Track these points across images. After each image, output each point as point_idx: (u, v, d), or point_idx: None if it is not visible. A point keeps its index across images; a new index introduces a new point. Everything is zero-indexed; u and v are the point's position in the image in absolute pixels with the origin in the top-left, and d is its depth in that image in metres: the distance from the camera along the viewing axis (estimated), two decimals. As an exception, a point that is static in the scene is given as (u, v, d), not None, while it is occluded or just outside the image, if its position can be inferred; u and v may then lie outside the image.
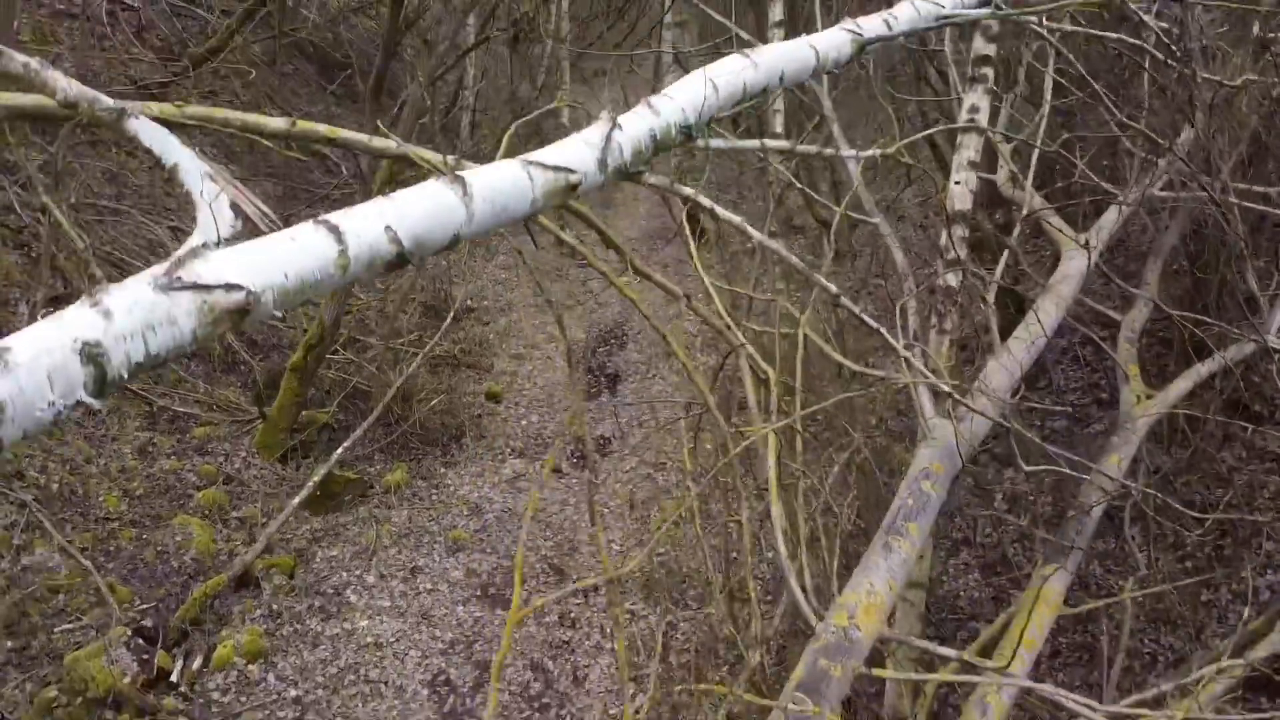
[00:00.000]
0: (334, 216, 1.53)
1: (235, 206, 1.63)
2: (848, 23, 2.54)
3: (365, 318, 12.07)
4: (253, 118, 2.31)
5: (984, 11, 2.98)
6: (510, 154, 2.99)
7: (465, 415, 9.58)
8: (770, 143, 2.35)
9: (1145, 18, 4.37)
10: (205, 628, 6.74)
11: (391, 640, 6.66)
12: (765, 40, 5.72)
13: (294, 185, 15.13)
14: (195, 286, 1.33)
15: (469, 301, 13.39)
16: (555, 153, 1.79)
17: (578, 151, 1.83)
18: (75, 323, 1.24)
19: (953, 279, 3.99)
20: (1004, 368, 3.90)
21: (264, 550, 7.39)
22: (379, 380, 9.55)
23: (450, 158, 2.82)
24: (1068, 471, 3.83)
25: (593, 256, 3.63)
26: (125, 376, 1.28)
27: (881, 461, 5.33)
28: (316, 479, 7.86)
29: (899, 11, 2.73)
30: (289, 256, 1.44)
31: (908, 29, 2.72)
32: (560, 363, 11.60)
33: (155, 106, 2.41)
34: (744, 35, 5.06)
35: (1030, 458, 3.93)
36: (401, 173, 8.85)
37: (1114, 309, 5.81)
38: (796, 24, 12.36)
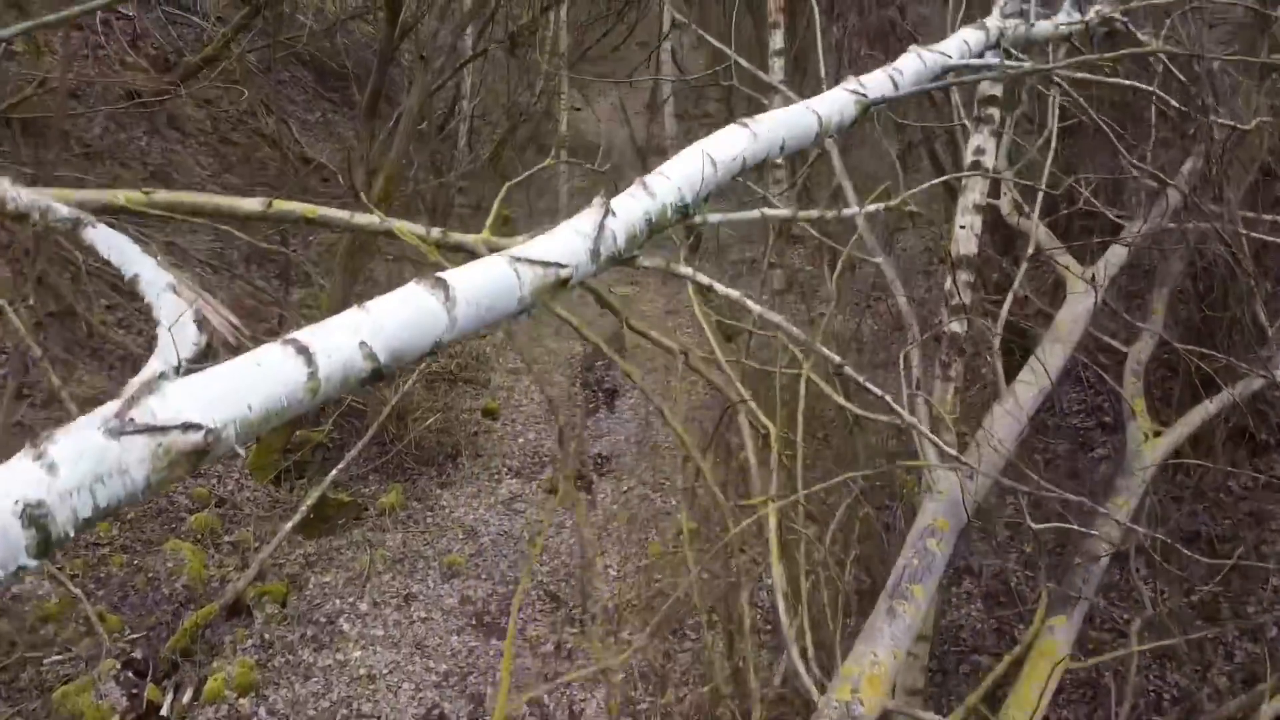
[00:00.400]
0: (304, 335, 1.43)
1: (202, 320, 1.53)
2: (850, 82, 2.43)
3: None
4: (226, 201, 2.19)
5: (994, 63, 2.87)
6: (499, 225, 2.88)
7: (461, 433, 9.48)
8: (770, 212, 2.24)
9: (1153, 43, 4.27)
10: (196, 659, 6.64)
11: (385, 672, 6.56)
12: (765, 66, 5.60)
13: (290, 194, 15.03)
14: (149, 429, 1.23)
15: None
16: (545, 245, 1.69)
17: (568, 242, 1.73)
18: (16, 480, 1.14)
19: (958, 325, 3.88)
20: (1009, 415, 3.80)
21: (256, 577, 7.29)
22: (374, 398, 9.45)
23: (435, 231, 2.71)
24: (1075, 527, 3.73)
25: (583, 326, 3.50)
26: (70, 535, 1.18)
27: (886, 489, 5.24)
28: (309, 503, 7.75)
29: (904, 65, 2.63)
30: (254, 385, 1.34)
31: (914, 85, 2.62)
32: (558, 377, 11.51)
33: (122, 195, 2.30)
34: (743, 63, 4.95)
35: (1038, 506, 3.82)
36: (395, 193, 8.75)
37: (1118, 336, 5.71)
38: (800, 60, 12.25)
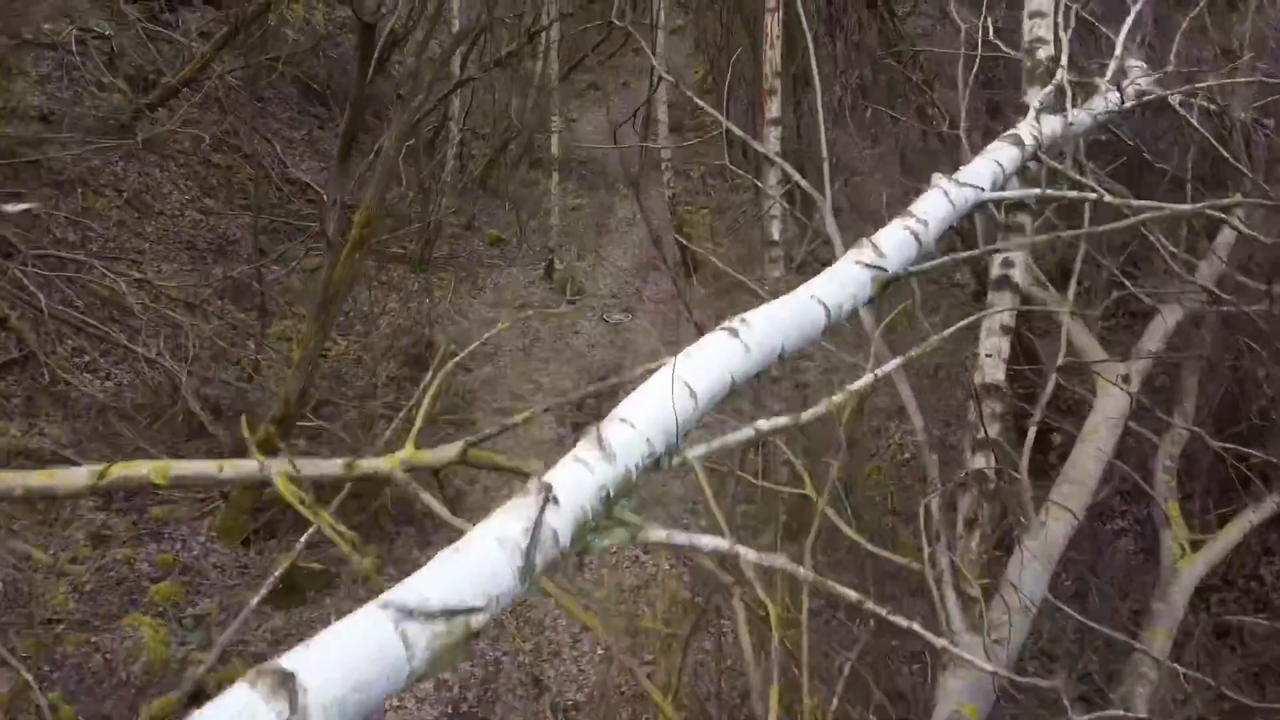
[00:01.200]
0: None
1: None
2: (863, 250, 1.97)
3: (341, 369, 11.52)
4: (43, 480, 1.71)
5: (1034, 192, 2.41)
6: (435, 402, 2.40)
7: (444, 485, 9.01)
8: (767, 423, 1.79)
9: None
10: (152, 756, 6.17)
11: (354, 770, 6.09)
12: (759, 134, 5.11)
13: (273, 219, 14.56)
14: None
15: (452, 346, 12.83)
16: (448, 577, 1.22)
17: (485, 562, 1.26)
18: None
19: (983, 461, 3.42)
20: (1039, 557, 3.35)
21: (219, 659, 6.81)
22: (351, 450, 8.99)
23: (338, 462, 2.21)
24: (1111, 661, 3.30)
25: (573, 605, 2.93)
26: None
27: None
28: (276, 576, 7.27)
29: (929, 209, 2.17)
30: None
31: (940, 234, 2.14)
32: (547, 418, 11.05)
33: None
34: (736, 130, 4.50)
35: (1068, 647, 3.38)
36: (373, 238, 8.29)
37: (1143, 420, 5.25)
38: (798, 122, 11.72)
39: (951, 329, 2.15)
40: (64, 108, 13.61)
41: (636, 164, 13.95)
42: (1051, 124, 2.88)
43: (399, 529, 8.55)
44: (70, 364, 9.65)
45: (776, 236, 5.38)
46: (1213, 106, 4.69)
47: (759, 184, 4.98)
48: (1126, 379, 4.17)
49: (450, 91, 9.29)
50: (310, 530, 7.88)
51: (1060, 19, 3.43)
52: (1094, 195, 2.51)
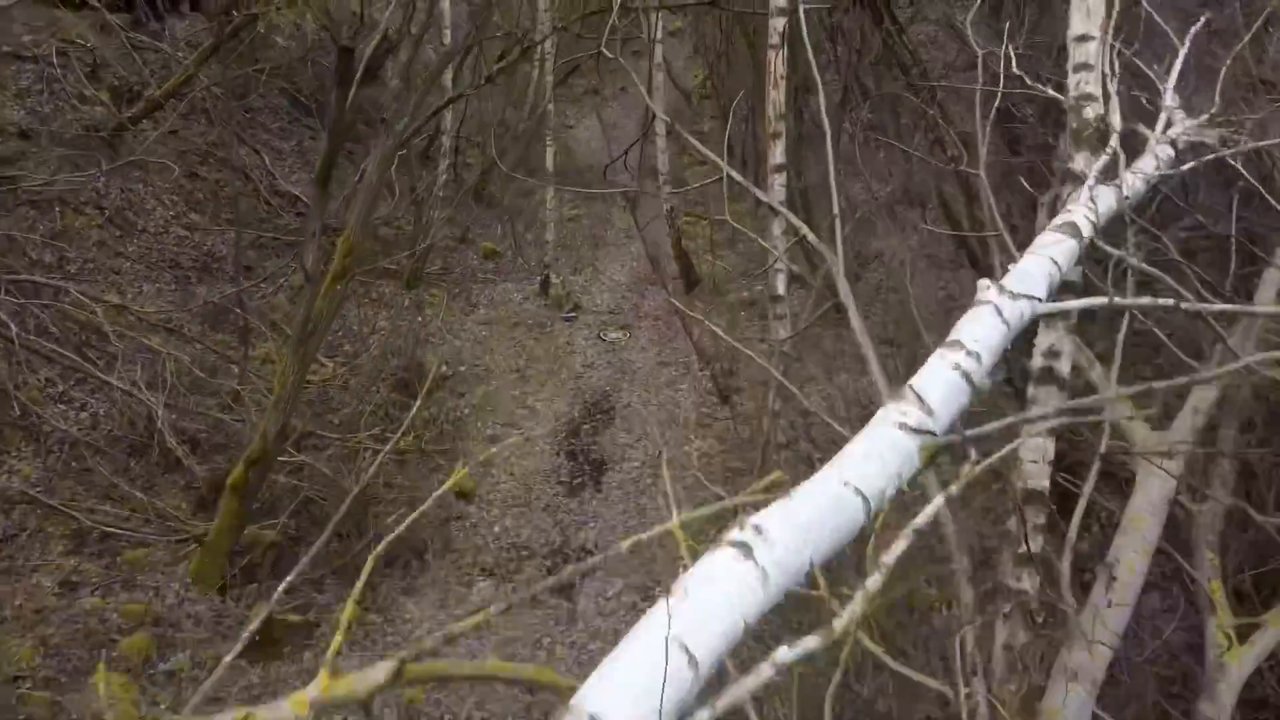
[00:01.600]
0: None
1: None
2: (903, 404, 1.57)
3: (328, 394, 11.11)
4: None
5: (1098, 301, 2.02)
6: (350, 629, 2.02)
7: (430, 524, 8.62)
8: (790, 653, 1.39)
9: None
10: (115, 834, 5.79)
11: None
12: (762, 182, 4.67)
13: (261, 234, 14.15)
14: None
15: (444, 367, 12.43)
16: None
17: None
18: None
19: (1026, 580, 3.01)
20: (1083, 682, 2.95)
21: (190, 723, 6.41)
22: (334, 487, 8.61)
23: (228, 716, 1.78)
24: None
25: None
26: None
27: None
28: (251, 629, 6.86)
29: (979, 334, 1.77)
30: None
31: (995, 360, 1.74)
32: (541, 446, 10.66)
33: None
34: (735, 176, 4.10)
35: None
36: (355, 269, 7.90)
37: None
38: (800, 162, 11.22)
39: (995, 456, 1.77)
40: (43, 122, 13.19)
41: (634, 179, 13.51)
42: (1106, 199, 2.50)
43: (383, 572, 8.15)
44: (42, 395, 9.26)
45: (782, 291, 4.95)
46: (1255, 147, 4.31)
47: (763, 242, 4.58)
48: (1168, 455, 3.78)
49: (440, 109, 8.91)
50: (288, 579, 7.49)
51: (1107, 67, 3.04)
52: (1171, 302, 2.12)
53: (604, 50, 5.11)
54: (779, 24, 4.98)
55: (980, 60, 5.10)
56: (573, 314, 14.36)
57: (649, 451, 10.20)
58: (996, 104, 4.50)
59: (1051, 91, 3.84)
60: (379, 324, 13.25)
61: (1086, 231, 2.29)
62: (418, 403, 9.44)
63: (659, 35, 13.32)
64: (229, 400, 9.66)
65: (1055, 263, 2.09)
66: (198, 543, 7.87)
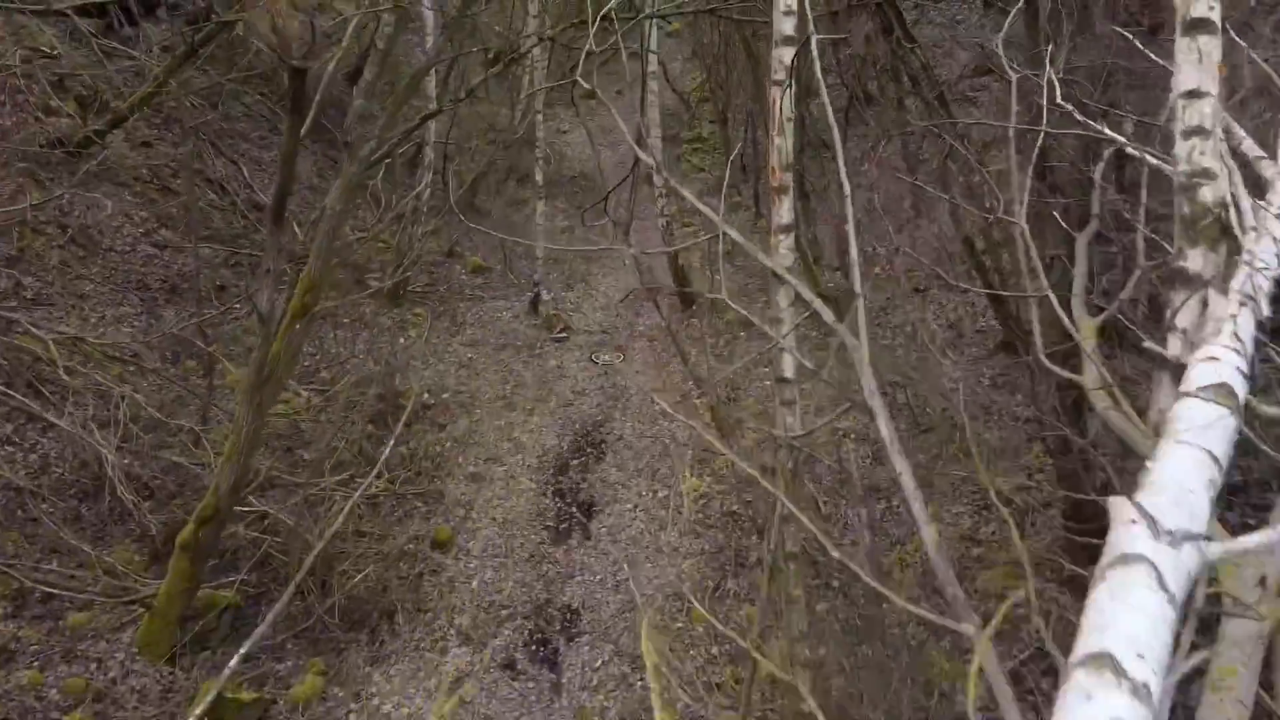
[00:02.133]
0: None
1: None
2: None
3: (299, 428, 10.42)
4: None
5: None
6: None
7: (401, 581, 7.96)
8: None
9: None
10: None
11: None
12: (771, 249, 3.95)
13: (236, 250, 13.48)
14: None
15: (425, 395, 11.75)
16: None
17: None
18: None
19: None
20: None
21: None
22: (298, 539, 7.93)
23: None
24: None
25: None
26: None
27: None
28: (200, 710, 6.23)
29: (1137, 632, 1.09)
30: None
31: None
32: (526, 483, 9.99)
33: None
34: (735, 235, 3.43)
35: None
36: (314, 306, 7.21)
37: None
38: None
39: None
40: (3, 137, 12.49)
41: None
42: (1247, 326, 1.84)
43: (349, 636, 7.48)
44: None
45: (790, 374, 4.18)
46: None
47: (767, 329, 3.86)
48: (1263, 582, 3.11)
49: (411, 130, 8.25)
50: (242, 650, 6.77)
51: (1218, 128, 2.38)
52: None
53: (579, 80, 4.45)
54: (785, 55, 4.25)
55: (1013, 87, 4.43)
56: (563, 335, 13.68)
57: (641, 493, 9.53)
58: (1039, 144, 3.83)
59: (1132, 147, 3.17)
60: (358, 347, 12.58)
61: (1242, 393, 1.63)
62: (390, 442, 8.79)
63: (653, 45, 12.61)
64: (189, 442, 8.98)
65: (1214, 460, 1.42)
66: (145, 607, 7.20)
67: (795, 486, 4.16)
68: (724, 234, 3.50)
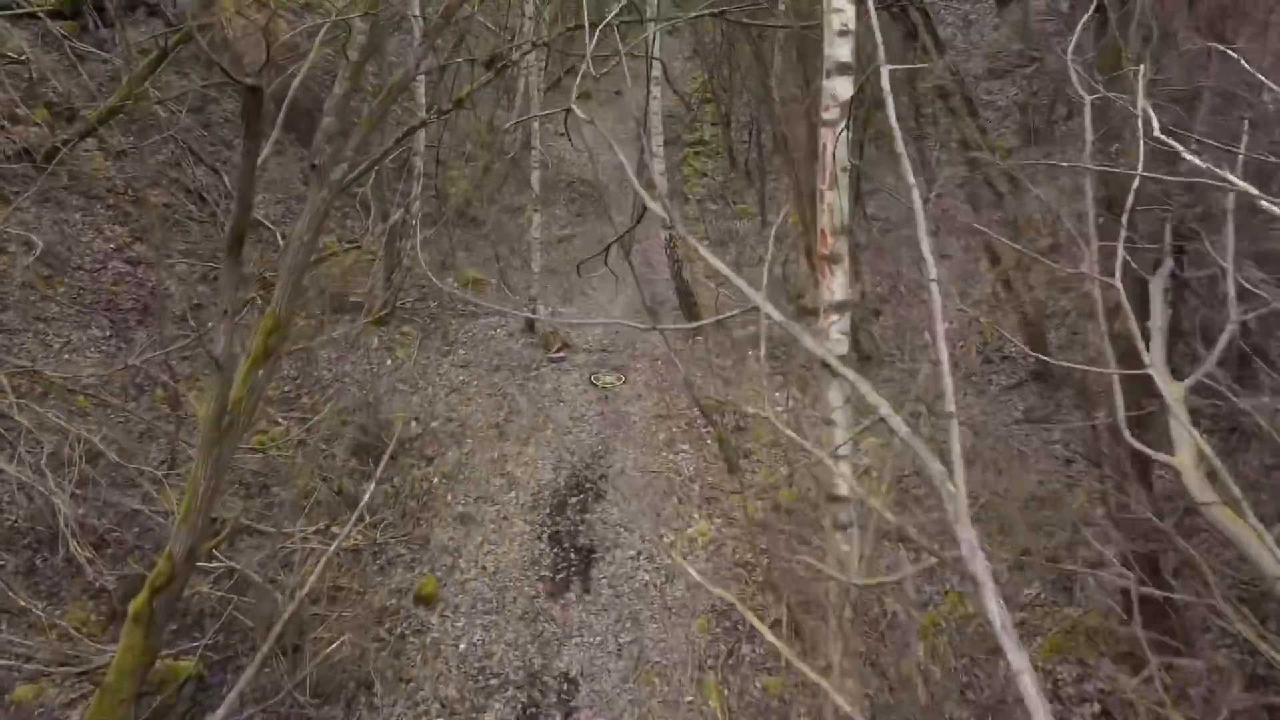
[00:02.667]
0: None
1: None
2: None
3: (276, 464, 9.67)
4: None
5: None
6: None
7: (381, 644, 7.23)
8: None
9: None
10: None
11: None
12: (820, 332, 3.17)
13: (214, 266, 12.72)
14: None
15: (413, 424, 11.01)
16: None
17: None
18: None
19: None
20: None
21: None
22: (266, 599, 7.19)
23: None
24: None
25: None
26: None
27: None
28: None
29: None
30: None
31: None
32: (520, 526, 9.26)
33: None
34: (776, 315, 2.70)
35: None
36: (278, 347, 6.47)
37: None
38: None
39: None
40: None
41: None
42: None
43: (323, 713, 6.75)
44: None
45: (845, 491, 3.21)
46: None
47: (808, 445, 3.10)
48: None
49: (386, 154, 7.51)
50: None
51: None
52: None
53: (574, 107, 3.73)
54: (839, 89, 3.36)
55: (1087, 111, 3.69)
56: (561, 355, 12.95)
57: (645, 537, 8.79)
58: (1133, 188, 3.09)
59: (1268, 201, 2.43)
60: (344, 369, 11.86)
61: None
62: (371, 486, 8.06)
63: (657, 50, 11.85)
64: (151, 486, 8.25)
65: None
66: (95, 684, 6.47)
67: (853, 634, 3.35)
68: (764, 314, 2.76)
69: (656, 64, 14.15)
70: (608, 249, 7.51)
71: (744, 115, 20.63)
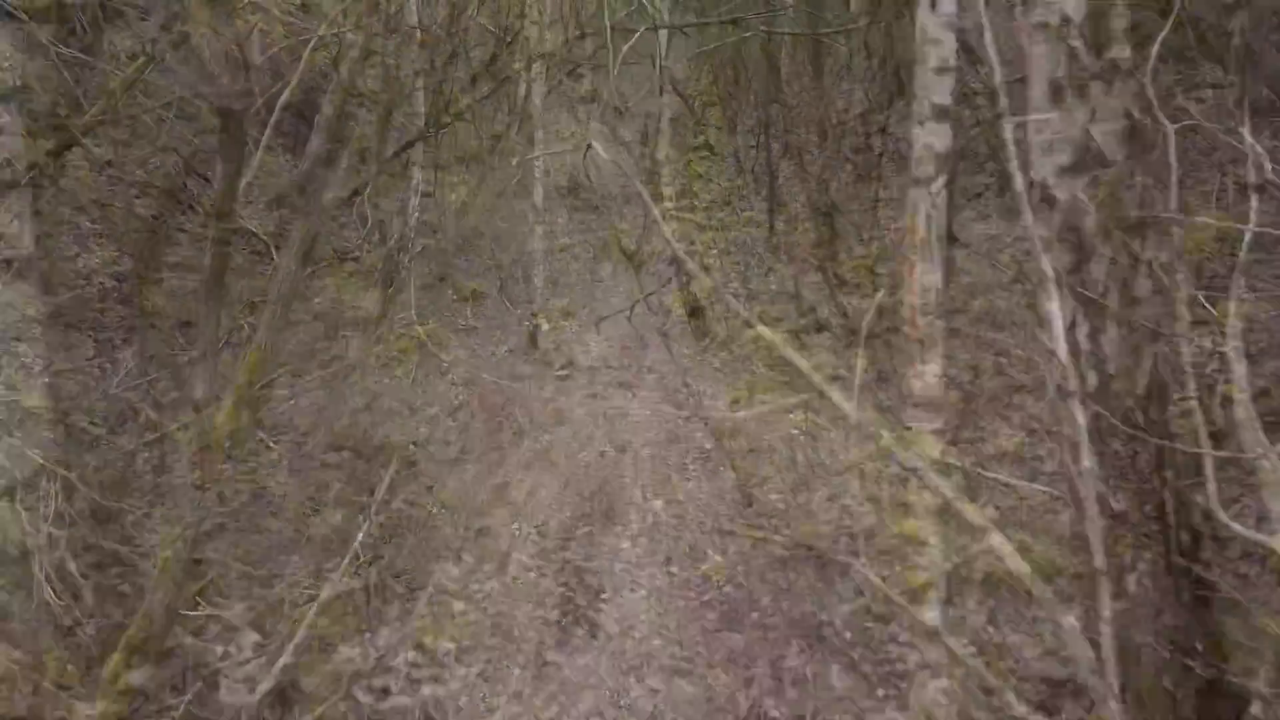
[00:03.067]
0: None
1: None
2: None
3: (264, 496, 9.19)
4: None
5: None
6: None
7: (360, 710, 6.74)
8: None
9: None
10: None
11: None
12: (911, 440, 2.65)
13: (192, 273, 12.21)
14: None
15: (410, 447, 10.54)
16: None
17: None
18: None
19: None
20: None
21: None
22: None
23: None
24: None
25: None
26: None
27: None
28: None
29: None
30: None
31: None
32: (525, 559, 8.79)
33: None
34: (834, 395, 2.23)
35: None
36: (265, 385, 6.01)
37: None
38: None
39: None
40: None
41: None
42: None
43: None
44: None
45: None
46: None
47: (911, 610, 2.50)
48: None
49: (401, 150, 7.06)
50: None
51: None
52: None
53: (592, 144, 3.27)
54: (937, 140, 2.69)
55: (1170, 141, 3.21)
56: (565, 372, 12.47)
57: (654, 574, 8.33)
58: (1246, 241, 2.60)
59: None
60: (339, 390, 11.38)
61: None
62: (365, 525, 7.60)
63: (665, 56, 11.38)
64: (131, 526, 7.78)
65: None
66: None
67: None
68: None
69: (666, 71, 13.69)
70: (633, 307, 7.05)
71: (750, 119, 20.15)
